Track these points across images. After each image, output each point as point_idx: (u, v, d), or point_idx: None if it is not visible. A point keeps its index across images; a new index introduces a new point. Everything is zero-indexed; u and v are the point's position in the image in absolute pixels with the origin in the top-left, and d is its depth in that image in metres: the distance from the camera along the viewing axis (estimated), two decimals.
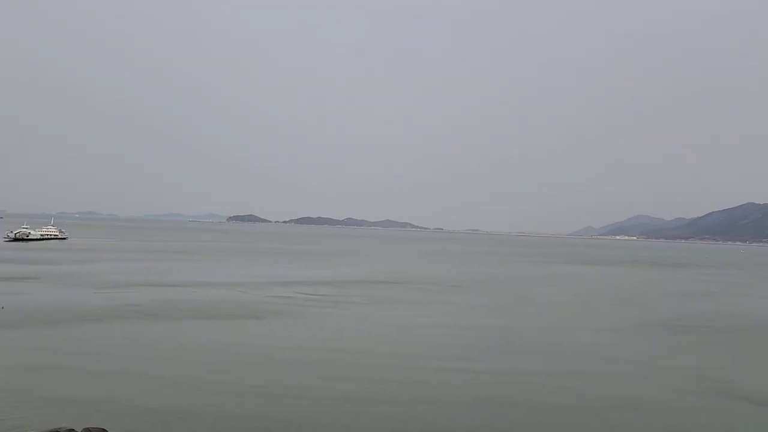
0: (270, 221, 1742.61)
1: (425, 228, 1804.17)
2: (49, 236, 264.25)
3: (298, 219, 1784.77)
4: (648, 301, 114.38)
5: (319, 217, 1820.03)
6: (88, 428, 33.70)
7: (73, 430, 33.17)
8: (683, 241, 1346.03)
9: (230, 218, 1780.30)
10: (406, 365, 54.04)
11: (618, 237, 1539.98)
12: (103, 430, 33.73)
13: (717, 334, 78.07)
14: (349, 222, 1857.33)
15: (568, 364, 56.98)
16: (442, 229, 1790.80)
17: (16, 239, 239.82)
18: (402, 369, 52.61)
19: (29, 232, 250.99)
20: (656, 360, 60.60)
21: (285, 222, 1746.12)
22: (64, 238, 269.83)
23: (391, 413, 40.35)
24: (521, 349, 63.33)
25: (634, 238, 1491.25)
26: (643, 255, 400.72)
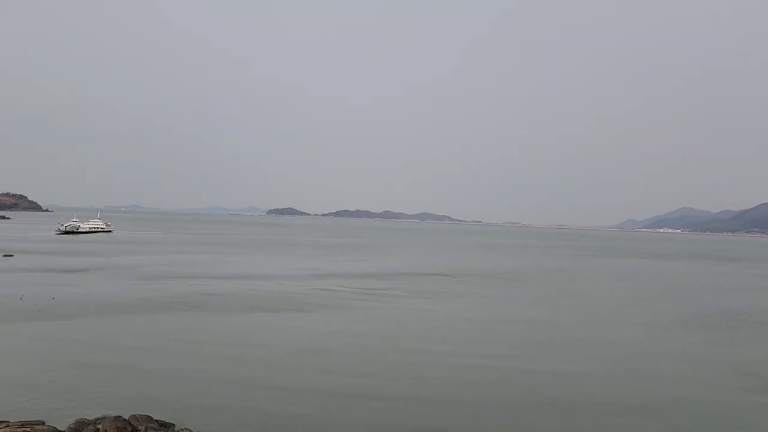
0: (309, 214, 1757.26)
1: (463, 221, 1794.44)
2: (96, 229, 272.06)
3: (336, 212, 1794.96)
4: (692, 295, 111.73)
5: (357, 210, 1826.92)
6: (134, 415, 34.69)
7: (121, 416, 34.19)
8: (730, 234, 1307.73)
9: (270, 211, 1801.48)
10: (444, 362, 53.95)
11: (661, 230, 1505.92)
12: (149, 417, 34.68)
13: (765, 330, 75.88)
14: (387, 215, 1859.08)
15: (611, 360, 56.01)
16: (480, 222, 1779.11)
17: (66, 232, 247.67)
18: (440, 366, 52.54)
19: (79, 226, 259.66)
20: (701, 356, 59.17)
21: (323, 215, 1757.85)
22: (109, 231, 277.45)
23: (426, 412, 40.39)
24: (563, 344, 62.47)
25: (678, 231, 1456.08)
26: (687, 248, 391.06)
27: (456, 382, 46.51)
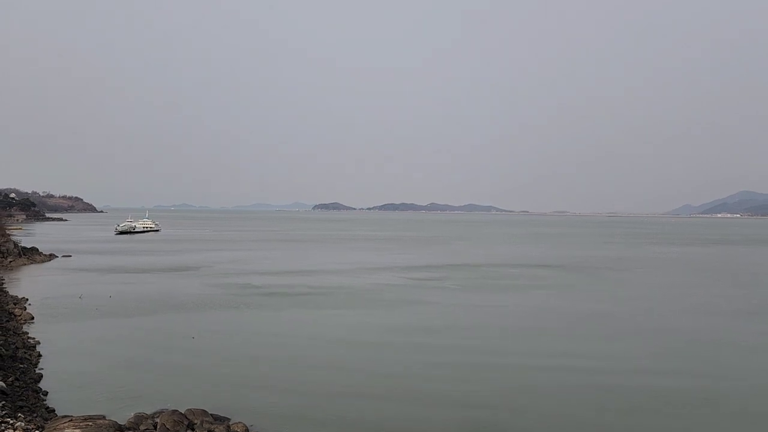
0: (354, 208, 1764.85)
1: (510, 211, 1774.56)
2: (146, 229, 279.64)
3: (382, 206, 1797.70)
4: (758, 283, 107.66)
5: (403, 203, 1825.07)
6: (191, 409, 35.28)
7: (177, 410, 34.81)
8: None
9: (316, 206, 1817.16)
10: (507, 360, 53.31)
11: (719, 215, 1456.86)
12: (204, 411, 35.21)
13: None
14: (432, 207, 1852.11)
15: (675, 349, 54.35)
16: (527, 211, 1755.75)
17: (122, 232, 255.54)
18: (502, 365, 51.92)
19: (135, 225, 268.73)
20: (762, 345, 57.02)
21: (369, 209, 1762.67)
22: (157, 230, 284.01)
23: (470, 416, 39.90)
24: (625, 333, 61.04)
25: (738, 215, 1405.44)
26: (747, 233, 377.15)
27: (511, 376, 45.89)
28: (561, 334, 60.30)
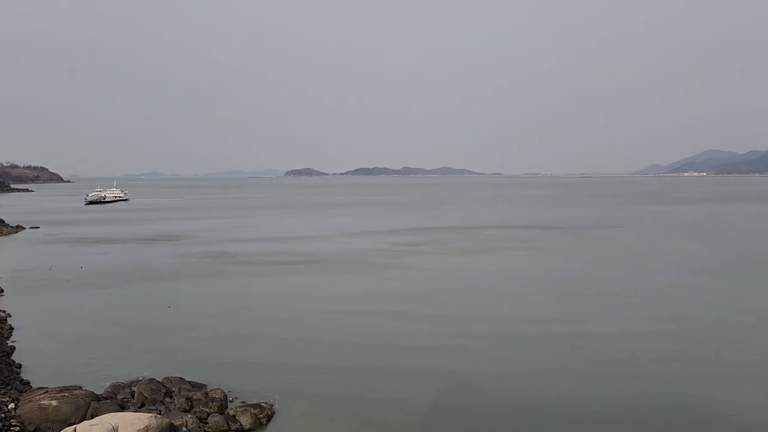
0: (327, 174, 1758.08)
1: (483, 174, 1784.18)
2: (116, 198, 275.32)
3: (354, 170, 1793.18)
4: (727, 239, 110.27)
5: (375, 168, 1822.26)
6: (168, 377, 35.28)
7: (155, 379, 34.79)
8: (757, 174, 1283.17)
9: (288, 172, 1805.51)
10: (488, 320, 54.04)
11: (686, 174, 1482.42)
12: (182, 378, 35.25)
13: None
14: (406, 171, 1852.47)
15: (654, 307, 55.67)
16: (500, 173, 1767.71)
17: (92, 202, 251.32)
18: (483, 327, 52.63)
19: (104, 195, 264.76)
20: (741, 300, 58.75)
21: (342, 174, 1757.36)
22: (126, 200, 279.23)
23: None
24: (604, 292, 62.27)
25: (704, 174, 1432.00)
26: (714, 191, 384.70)
27: (490, 338, 46.65)
28: (550, 295, 61.20)
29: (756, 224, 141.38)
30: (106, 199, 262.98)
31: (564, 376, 36.88)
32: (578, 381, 36.06)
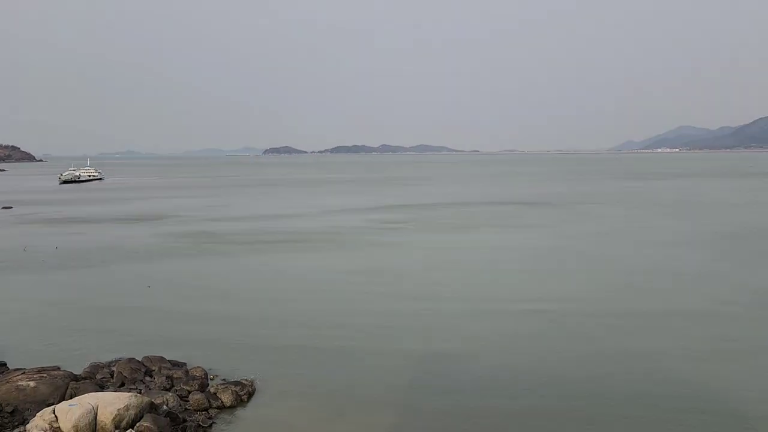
0: (306, 152, 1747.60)
1: (461, 151, 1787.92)
2: (91, 177, 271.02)
3: (333, 148, 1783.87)
4: (700, 214, 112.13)
5: (354, 146, 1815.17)
6: (147, 357, 35.17)
7: (134, 358, 34.66)
8: (728, 150, 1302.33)
9: (266, 151, 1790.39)
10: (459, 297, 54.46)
11: (659, 150, 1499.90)
12: (162, 357, 35.16)
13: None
14: (384, 148, 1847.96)
15: (628, 280, 56.67)
16: (478, 151, 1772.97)
17: (67, 181, 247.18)
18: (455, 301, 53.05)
19: (80, 174, 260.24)
20: (714, 273, 59.94)
21: (321, 152, 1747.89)
22: (100, 179, 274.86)
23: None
24: (578, 266, 63.14)
25: (676, 150, 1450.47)
26: (688, 167, 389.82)
27: (472, 316, 47.15)
28: (533, 271, 61.92)
29: (729, 199, 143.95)
30: (80, 179, 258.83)
31: (543, 351, 37.49)
32: (557, 355, 36.67)
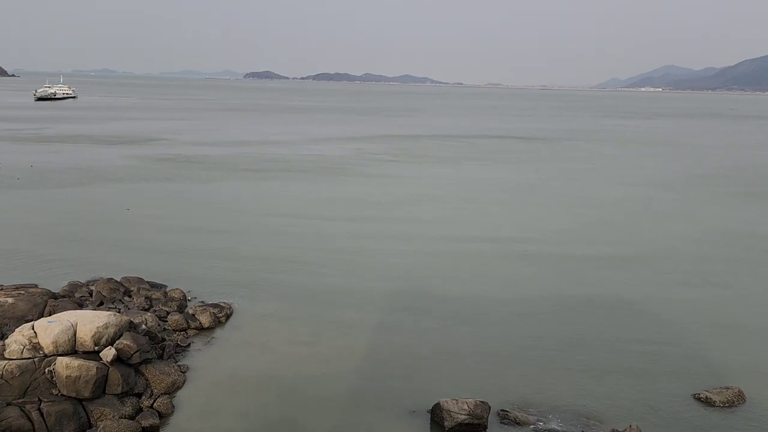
0: (288, 78, 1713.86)
1: (445, 83, 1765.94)
2: (65, 95, 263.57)
3: (316, 75, 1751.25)
4: (678, 155, 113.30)
5: (337, 73, 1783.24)
6: (126, 277, 35.36)
7: (113, 278, 34.83)
8: (710, 91, 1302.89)
9: (247, 75, 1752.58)
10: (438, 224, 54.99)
11: (643, 89, 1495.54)
12: (141, 279, 35.38)
13: (743, 186, 77.99)
14: (368, 78, 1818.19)
15: (601, 216, 57.65)
16: (461, 83, 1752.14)
17: (42, 98, 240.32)
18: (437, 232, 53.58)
19: (55, 92, 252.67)
20: (686, 211, 61.18)
21: (303, 78, 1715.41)
22: (74, 97, 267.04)
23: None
24: (557, 203, 63.92)
25: (660, 89, 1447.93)
26: (668, 107, 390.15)
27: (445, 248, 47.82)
28: (511, 205, 62.61)
29: (707, 141, 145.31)
30: (56, 96, 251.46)
31: (516, 284, 38.45)
32: (530, 290, 37.66)
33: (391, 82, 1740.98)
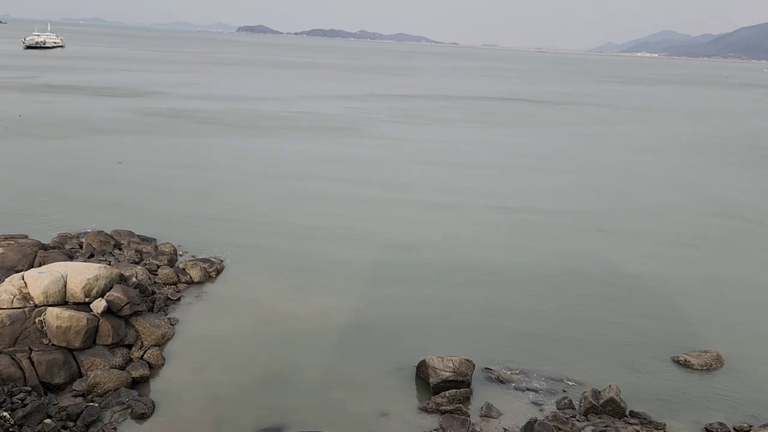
0: (281, 32, 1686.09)
1: (440, 42, 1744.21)
2: (55, 44, 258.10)
3: (310, 31, 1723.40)
4: (673, 121, 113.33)
5: (332, 30, 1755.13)
6: (117, 230, 35.37)
7: (103, 231, 34.83)
8: (706, 58, 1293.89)
9: (240, 28, 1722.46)
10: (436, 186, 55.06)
11: (639, 54, 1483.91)
12: (131, 232, 35.40)
13: (734, 155, 78.41)
14: (362, 35, 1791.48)
15: (594, 181, 57.98)
16: (457, 43, 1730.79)
17: (32, 47, 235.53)
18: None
19: (44, 40, 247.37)
20: (675, 179, 61.59)
21: (297, 33, 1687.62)
22: (61, 46, 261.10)
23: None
24: (550, 166, 64.16)
25: (656, 55, 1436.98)
26: (665, 73, 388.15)
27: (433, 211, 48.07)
28: (502, 168, 62.67)
29: (703, 108, 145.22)
30: (45, 45, 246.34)
31: (507, 247, 38.84)
32: (520, 252, 38.08)
33: (386, 40, 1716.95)
